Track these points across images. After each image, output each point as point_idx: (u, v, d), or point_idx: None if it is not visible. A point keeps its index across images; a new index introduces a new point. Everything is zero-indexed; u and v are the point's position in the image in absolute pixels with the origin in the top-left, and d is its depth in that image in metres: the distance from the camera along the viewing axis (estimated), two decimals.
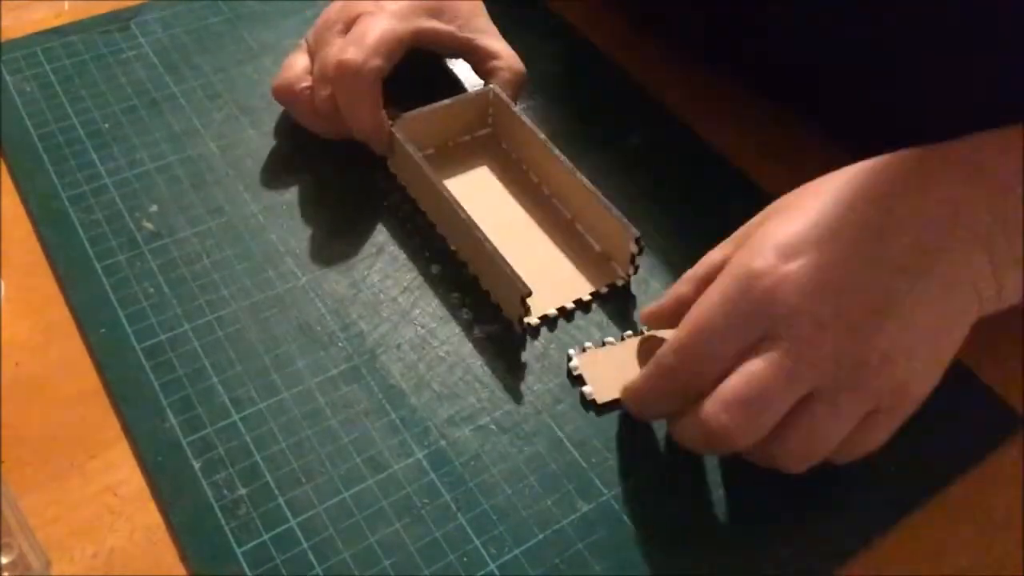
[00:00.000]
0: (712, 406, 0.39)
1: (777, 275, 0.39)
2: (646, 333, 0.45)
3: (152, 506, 0.41)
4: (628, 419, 0.45)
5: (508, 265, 0.46)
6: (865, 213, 0.40)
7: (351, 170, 0.55)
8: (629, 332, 0.48)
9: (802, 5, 0.51)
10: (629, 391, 0.43)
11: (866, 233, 0.39)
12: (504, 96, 0.55)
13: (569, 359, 0.47)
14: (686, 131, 0.58)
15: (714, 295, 0.40)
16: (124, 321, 0.47)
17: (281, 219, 0.52)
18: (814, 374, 0.38)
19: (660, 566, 0.40)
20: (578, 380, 0.46)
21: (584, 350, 0.47)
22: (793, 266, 0.39)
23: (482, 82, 0.57)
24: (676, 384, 0.41)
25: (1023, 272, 0.40)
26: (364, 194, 0.54)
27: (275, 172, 0.55)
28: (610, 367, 0.46)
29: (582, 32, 0.65)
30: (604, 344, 0.47)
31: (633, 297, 0.50)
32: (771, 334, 0.38)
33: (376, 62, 0.51)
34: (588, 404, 0.45)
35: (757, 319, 0.39)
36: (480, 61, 0.57)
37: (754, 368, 0.38)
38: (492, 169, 0.55)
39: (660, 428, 0.44)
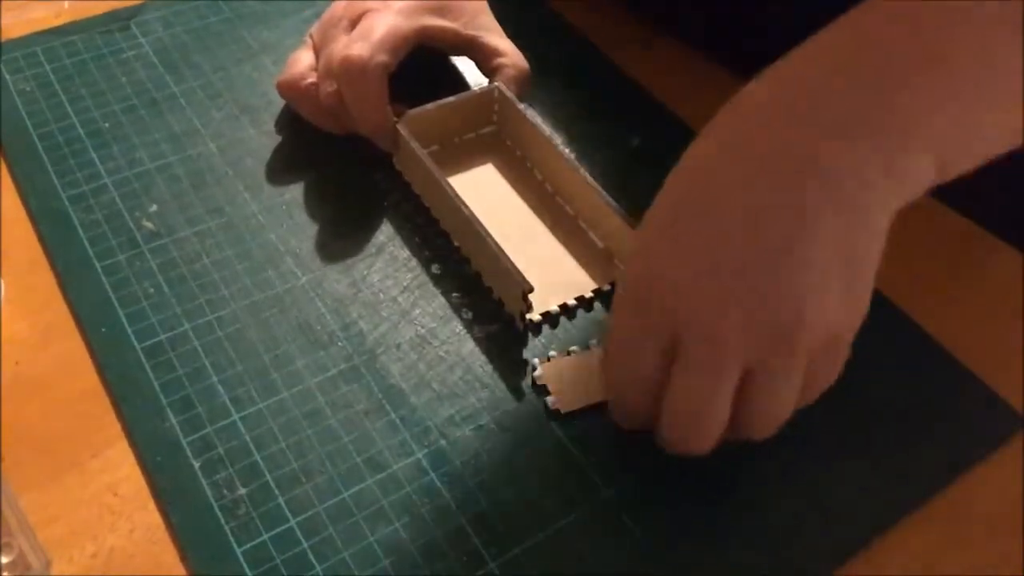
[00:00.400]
0: (665, 428, 0.40)
1: (655, 279, 0.38)
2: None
3: (152, 505, 0.41)
4: None
5: (510, 261, 0.46)
6: (709, 171, 0.38)
7: (351, 170, 0.55)
8: (594, 341, 0.47)
9: (802, 5, 0.51)
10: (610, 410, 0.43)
11: (720, 198, 0.37)
12: (509, 93, 0.55)
13: (533, 368, 0.46)
14: (686, 131, 0.58)
15: (615, 320, 0.40)
16: (124, 320, 0.47)
17: (281, 218, 0.52)
18: (738, 357, 0.37)
19: (660, 566, 0.40)
20: (542, 390, 0.45)
21: (548, 359, 0.47)
22: (667, 265, 0.38)
23: (486, 80, 0.57)
24: (631, 407, 0.41)
25: (937, 151, 0.37)
26: (364, 194, 0.54)
27: (275, 172, 0.55)
28: (574, 376, 0.46)
29: (582, 32, 0.65)
30: (569, 353, 0.47)
31: None
32: (680, 337, 0.37)
33: (382, 58, 0.51)
34: (552, 413, 0.45)
35: (659, 329, 0.38)
36: (484, 59, 0.57)
37: (681, 381, 0.38)
38: (496, 166, 0.55)
39: None
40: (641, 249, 0.40)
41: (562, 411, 0.45)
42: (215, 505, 0.41)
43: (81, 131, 0.55)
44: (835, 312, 0.37)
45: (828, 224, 0.36)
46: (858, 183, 0.36)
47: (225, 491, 0.41)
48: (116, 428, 0.43)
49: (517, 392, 0.45)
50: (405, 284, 0.49)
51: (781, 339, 0.36)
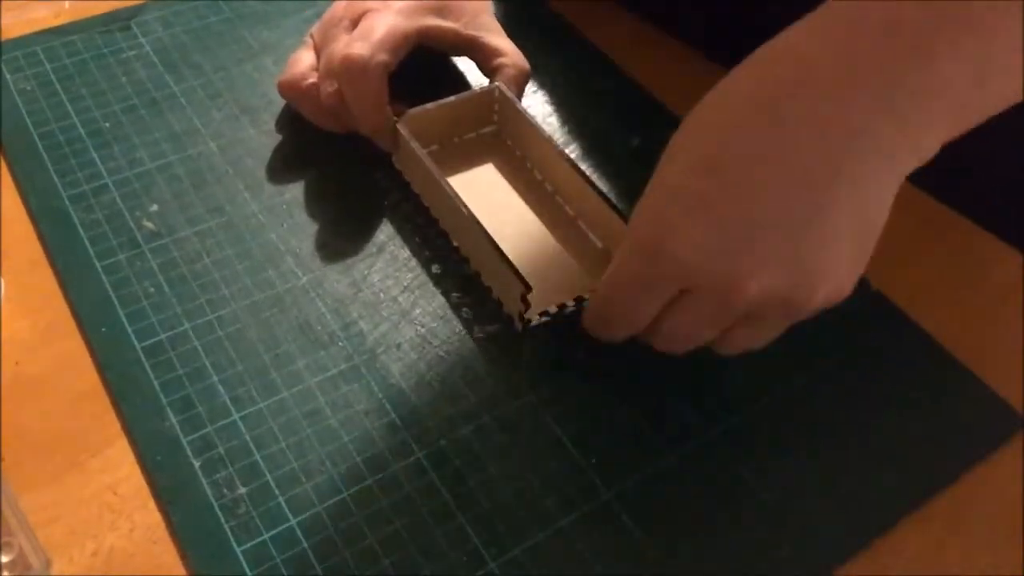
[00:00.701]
0: (653, 341, 0.43)
1: (671, 233, 0.39)
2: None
3: (152, 505, 0.41)
4: (626, 417, 0.45)
5: (509, 261, 0.46)
6: (742, 142, 0.38)
7: (351, 169, 0.55)
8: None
9: (802, 5, 0.51)
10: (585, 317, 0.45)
11: (751, 161, 0.38)
12: (509, 93, 0.55)
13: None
14: None
15: (620, 265, 0.41)
16: (124, 320, 0.47)
17: (281, 218, 0.52)
18: (745, 309, 0.39)
19: (660, 566, 0.40)
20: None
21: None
22: (688, 221, 0.38)
23: (486, 80, 0.57)
24: (617, 333, 0.43)
25: (938, 128, 0.37)
26: (365, 193, 0.54)
27: (275, 171, 0.55)
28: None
29: (582, 32, 0.65)
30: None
31: None
32: (693, 285, 0.39)
33: (382, 57, 0.51)
34: (524, 327, 0.47)
35: (670, 278, 0.39)
36: (485, 59, 0.57)
37: (686, 317, 0.40)
38: (496, 166, 0.55)
39: (659, 428, 0.44)
40: (657, 201, 0.40)
41: (531, 317, 0.47)
42: (215, 504, 0.41)
43: (81, 131, 0.55)
44: (842, 282, 0.39)
45: (854, 197, 0.37)
46: (884, 157, 0.37)
47: (225, 490, 0.41)
48: (116, 427, 0.43)
49: (517, 392, 0.46)
50: (405, 284, 0.49)
51: (792, 305, 0.39)
